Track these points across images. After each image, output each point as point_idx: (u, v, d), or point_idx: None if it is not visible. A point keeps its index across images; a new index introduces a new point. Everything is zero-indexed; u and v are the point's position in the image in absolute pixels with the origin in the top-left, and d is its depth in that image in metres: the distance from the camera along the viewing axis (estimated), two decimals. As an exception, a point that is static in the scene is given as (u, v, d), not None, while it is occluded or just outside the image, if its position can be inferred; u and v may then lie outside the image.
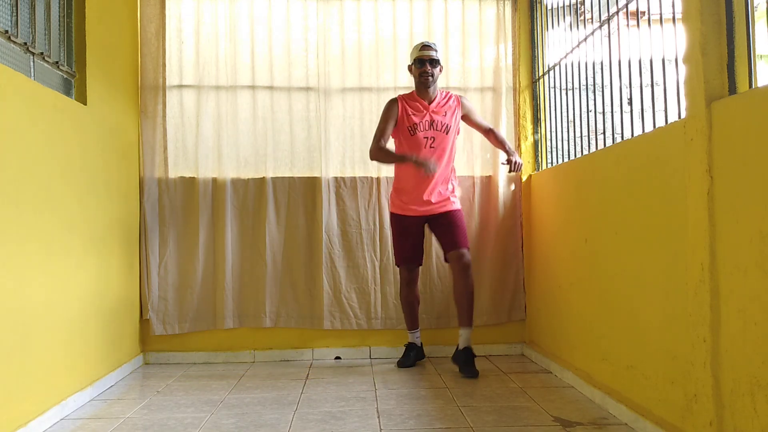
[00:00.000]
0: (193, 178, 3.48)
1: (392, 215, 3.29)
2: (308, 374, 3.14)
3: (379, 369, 3.24)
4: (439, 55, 3.20)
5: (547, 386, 2.82)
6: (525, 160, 3.63)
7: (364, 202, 3.55)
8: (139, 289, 3.40)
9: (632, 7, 2.49)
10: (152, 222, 3.44)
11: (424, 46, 3.16)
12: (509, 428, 2.22)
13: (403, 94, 3.26)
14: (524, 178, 3.62)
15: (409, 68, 3.24)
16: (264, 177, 3.51)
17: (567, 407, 2.47)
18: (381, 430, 2.23)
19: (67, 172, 2.55)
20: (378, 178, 3.56)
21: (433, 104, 3.20)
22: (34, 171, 2.27)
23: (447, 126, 3.18)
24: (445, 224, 3.18)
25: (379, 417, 2.38)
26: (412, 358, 3.29)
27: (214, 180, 3.49)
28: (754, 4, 1.72)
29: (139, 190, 3.44)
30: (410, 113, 3.18)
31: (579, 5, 3.10)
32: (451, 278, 3.54)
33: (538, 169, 3.62)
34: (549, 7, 3.46)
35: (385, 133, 3.17)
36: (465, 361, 3.05)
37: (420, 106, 3.19)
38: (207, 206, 3.49)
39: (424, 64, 3.14)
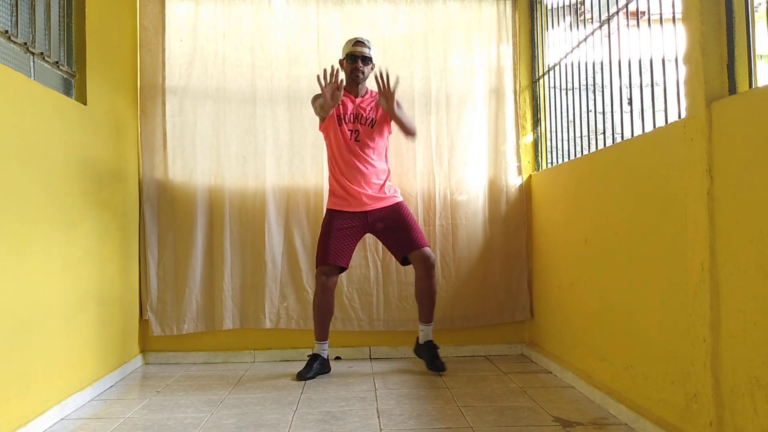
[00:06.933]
0: (193, 178, 3.48)
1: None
2: (308, 374, 3.14)
3: (379, 369, 3.23)
4: (372, 53, 3.16)
5: (547, 386, 2.82)
6: (525, 160, 3.63)
7: (365, 203, 3.54)
8: (138, 290, 3.40)
9: (632, 7, 2.49)
10: (151, 222, 3.44)
11: (358, 42, 3.14)
12: (509, 428, 2.22)
13: None
14: (524, 178, 3.62)
15: (341, 63, 3.18)
16: (264, 177, 3.50)
17: (567, 407, 2.47)
18: (381, 430, 2.23)
19: (67, 172, 2.55)
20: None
21: (359, 99, 3.18)
22: (33, 171, 2.27)
23: (371, 120, 3.16)
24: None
25: (379, 417, 2.38)
26: (314, 370, 3.05)
27: (214, 180, 3.49)
28: (754, 4, 1.72)
29: (139, 190, 3.43)
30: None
31: (579, 5, 3.10)
32: (456, 278, 3.55)
33: (538, 169, 3.62)
34: (549, 7, 3.46)
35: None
36: (431, 356, 3.11)
37: (347, 100, 3.17)
38: (206, 206, 3.48)
39: (356, 60, 3.12)
